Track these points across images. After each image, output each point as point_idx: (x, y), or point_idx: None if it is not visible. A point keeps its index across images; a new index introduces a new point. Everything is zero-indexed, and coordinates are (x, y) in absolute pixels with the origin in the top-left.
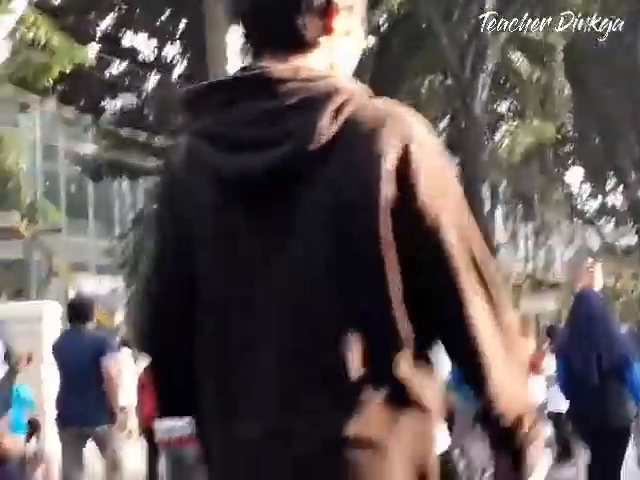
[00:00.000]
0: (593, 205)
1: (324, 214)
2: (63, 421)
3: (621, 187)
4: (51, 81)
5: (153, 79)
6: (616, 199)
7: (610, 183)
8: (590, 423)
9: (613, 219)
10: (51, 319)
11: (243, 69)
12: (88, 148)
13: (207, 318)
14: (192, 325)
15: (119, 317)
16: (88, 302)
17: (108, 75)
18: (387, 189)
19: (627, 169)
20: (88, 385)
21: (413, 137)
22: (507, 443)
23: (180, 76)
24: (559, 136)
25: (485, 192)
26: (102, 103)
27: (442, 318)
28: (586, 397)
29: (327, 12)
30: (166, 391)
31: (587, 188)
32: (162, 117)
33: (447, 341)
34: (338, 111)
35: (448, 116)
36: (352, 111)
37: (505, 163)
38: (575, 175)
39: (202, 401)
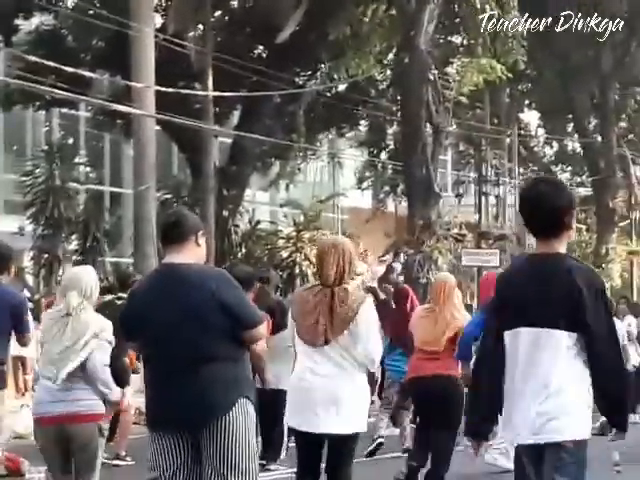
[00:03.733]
0: (549, 152)
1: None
2: None
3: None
4: None
5: None
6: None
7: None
8: None
9: (569, 168)
10: None
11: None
12: None
13: None
14: None
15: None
16: (6, 252)
17: None
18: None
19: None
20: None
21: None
22: None
23: None
24: (512, 75)
25: (429, 133)
26: (15, 22)
27: None
28: None
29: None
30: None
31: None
32: (81, 41)
33: None
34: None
35: (393, 50)
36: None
37: (452, 103)
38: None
39: None
